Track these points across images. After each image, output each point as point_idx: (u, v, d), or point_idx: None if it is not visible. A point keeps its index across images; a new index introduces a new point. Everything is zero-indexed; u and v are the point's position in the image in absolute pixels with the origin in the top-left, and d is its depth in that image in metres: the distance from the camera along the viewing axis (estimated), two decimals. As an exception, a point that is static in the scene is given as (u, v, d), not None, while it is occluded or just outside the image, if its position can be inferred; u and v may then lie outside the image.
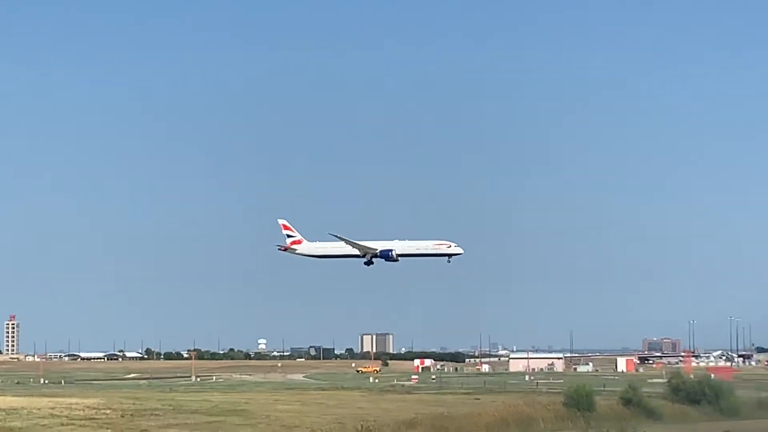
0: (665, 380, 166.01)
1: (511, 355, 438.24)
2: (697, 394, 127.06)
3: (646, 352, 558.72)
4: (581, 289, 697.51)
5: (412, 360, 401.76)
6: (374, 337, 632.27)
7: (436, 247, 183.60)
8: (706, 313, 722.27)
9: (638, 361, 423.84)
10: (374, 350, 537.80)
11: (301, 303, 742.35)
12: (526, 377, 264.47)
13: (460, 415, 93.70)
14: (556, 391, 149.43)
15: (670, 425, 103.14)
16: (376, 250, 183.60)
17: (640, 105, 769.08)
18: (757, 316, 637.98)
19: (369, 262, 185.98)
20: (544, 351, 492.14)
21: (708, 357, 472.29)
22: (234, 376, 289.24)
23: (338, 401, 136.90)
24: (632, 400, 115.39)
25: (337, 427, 71.37)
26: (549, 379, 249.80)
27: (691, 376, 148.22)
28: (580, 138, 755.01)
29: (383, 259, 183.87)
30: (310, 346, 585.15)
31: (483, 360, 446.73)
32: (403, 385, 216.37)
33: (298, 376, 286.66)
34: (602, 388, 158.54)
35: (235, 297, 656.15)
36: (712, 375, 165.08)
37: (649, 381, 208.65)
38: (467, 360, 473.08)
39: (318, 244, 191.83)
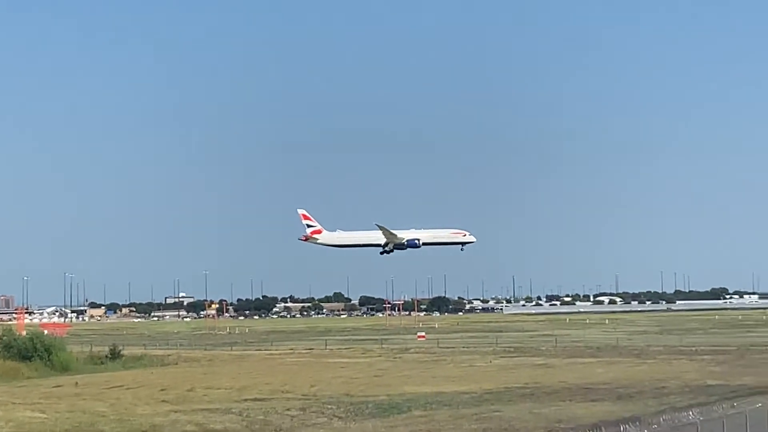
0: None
1: None
2: (29, 350, 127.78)
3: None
4: None
5: None
6: None
7: (453, 235, 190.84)
8: (40, 269, 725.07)
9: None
10: None
11: None
12: None
13: None
14: None
15: (1, 383, 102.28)
16: (404, 239, 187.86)
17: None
18: (91, 273, 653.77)
19: (389, 251, 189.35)
20: None
21: (42, 313, 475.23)
22: None
23: None
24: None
25: None
26: None
27: (24, 333, 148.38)
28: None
29: (408, 248, 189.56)
30: None
31: None
32: None
33: None
34: None
35: None
36: (46, 331, 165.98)
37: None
38: None
39: (338, 233, 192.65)
